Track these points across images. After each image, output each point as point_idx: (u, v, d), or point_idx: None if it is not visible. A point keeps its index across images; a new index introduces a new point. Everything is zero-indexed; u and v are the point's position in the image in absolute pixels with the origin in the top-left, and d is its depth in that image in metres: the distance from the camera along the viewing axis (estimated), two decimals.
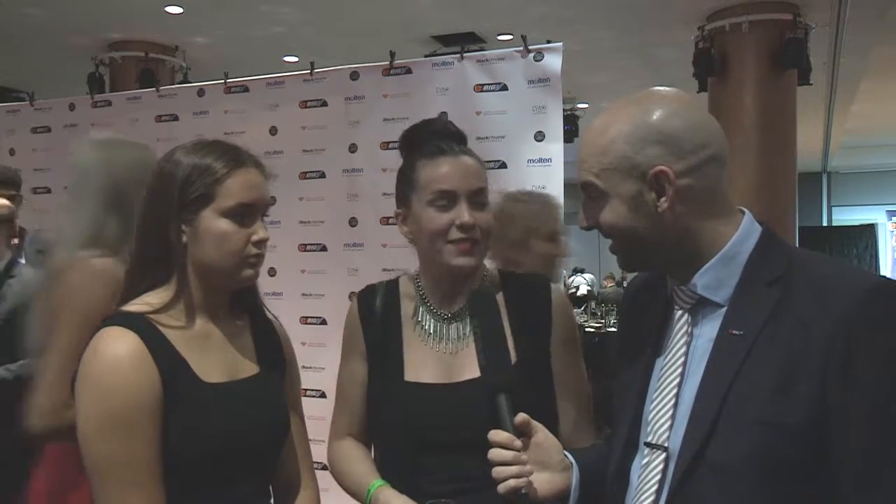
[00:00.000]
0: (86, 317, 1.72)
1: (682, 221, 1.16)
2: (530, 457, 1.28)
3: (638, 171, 1.15)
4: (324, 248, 3.87)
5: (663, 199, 1.15)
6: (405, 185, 1.62)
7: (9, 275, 3.04)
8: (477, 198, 1.57)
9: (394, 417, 1.58)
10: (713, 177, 1.17)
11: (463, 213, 1.54)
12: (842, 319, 1.05)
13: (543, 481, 1.29)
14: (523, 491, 1.25)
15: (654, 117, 1.16)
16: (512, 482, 1.24)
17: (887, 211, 16.12)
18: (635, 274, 1.47)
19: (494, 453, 1.26)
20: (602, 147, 1.18)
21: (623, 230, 1.19)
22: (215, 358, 1.43)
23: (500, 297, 1.62)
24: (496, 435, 1.28)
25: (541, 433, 1.32)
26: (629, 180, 1.16)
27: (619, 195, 1.17)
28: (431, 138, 1.63)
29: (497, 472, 1.26)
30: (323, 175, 3.84)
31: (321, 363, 3.31)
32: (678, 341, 1.20)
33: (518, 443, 1.27)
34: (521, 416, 1.30)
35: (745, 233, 1.19)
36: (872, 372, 1.04)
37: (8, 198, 3.17)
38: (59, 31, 7.37)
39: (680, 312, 1.21)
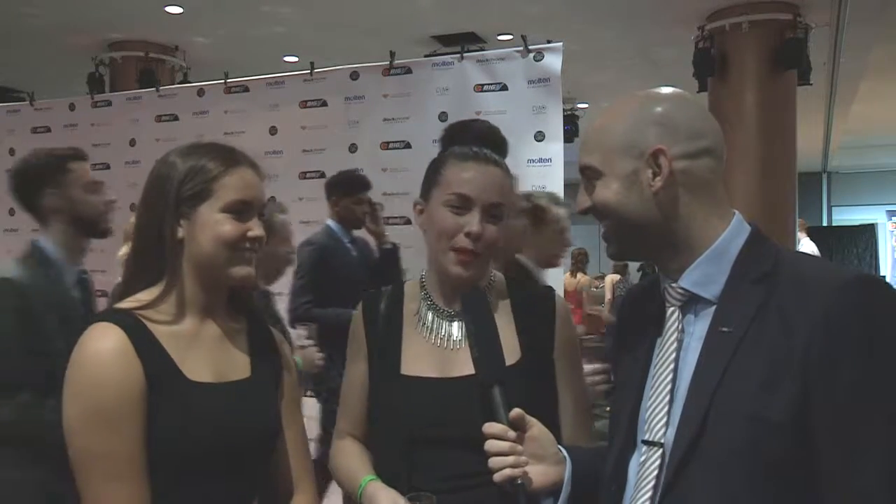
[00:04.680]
0: None
1: (674, 206, 1.19)
2: (526, 450, 1.31)
3: (636, 150, 1.18)
4: None
5: (658, 178, 1.17)
6: (430, 178, 1.64)
7: None
8: (493, 211, 1.58)
9: (388, 409, 1.59)
10: (708, 169, 1.20)
11: (474, 223, 1.55)
12: (819, 313, 1.06)
13: (538, 473, 1.32)
14: (519, 481, 1.28)
15: (655, 106, 1.21)
16: (508, 472, 1.27)
17: (887, 211, 16.10)
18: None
19: (490, 444, 1.30)
20: (602, 129, 1.23)
21: (615, 208, 1.21)
22: (204, 357, 1.43)
23: (506, 303, 1.66)
24: (490, 427, 1.31)
25: (535, 427, 1.35)
26: (626, 159, 1.19)
27: (614, 173, 1.20)
28: (472, 141, 1.64)
29: (493, 462, 1.29)
30: (323, 175, 3.85)
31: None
32: (670, 339, 1.22)
33: (512, 433, 1.30)
34: (516, 412, 1.32)
35: (734, 231, 1.20)
36: (850, 358, 1.05)
37: None
38: (59, 31, 7.36)
39: (672, 310, 1.23)
